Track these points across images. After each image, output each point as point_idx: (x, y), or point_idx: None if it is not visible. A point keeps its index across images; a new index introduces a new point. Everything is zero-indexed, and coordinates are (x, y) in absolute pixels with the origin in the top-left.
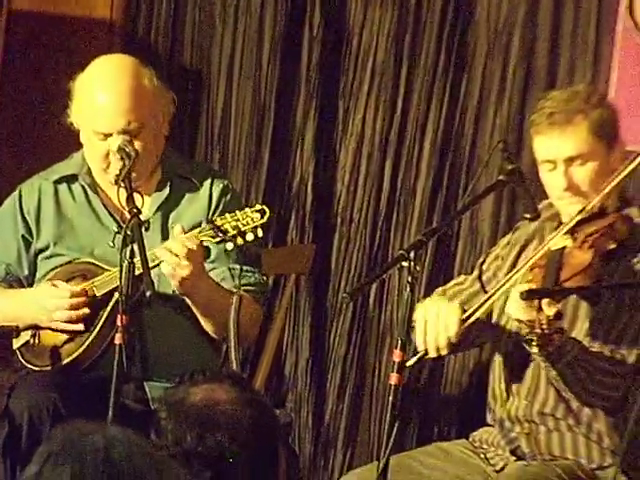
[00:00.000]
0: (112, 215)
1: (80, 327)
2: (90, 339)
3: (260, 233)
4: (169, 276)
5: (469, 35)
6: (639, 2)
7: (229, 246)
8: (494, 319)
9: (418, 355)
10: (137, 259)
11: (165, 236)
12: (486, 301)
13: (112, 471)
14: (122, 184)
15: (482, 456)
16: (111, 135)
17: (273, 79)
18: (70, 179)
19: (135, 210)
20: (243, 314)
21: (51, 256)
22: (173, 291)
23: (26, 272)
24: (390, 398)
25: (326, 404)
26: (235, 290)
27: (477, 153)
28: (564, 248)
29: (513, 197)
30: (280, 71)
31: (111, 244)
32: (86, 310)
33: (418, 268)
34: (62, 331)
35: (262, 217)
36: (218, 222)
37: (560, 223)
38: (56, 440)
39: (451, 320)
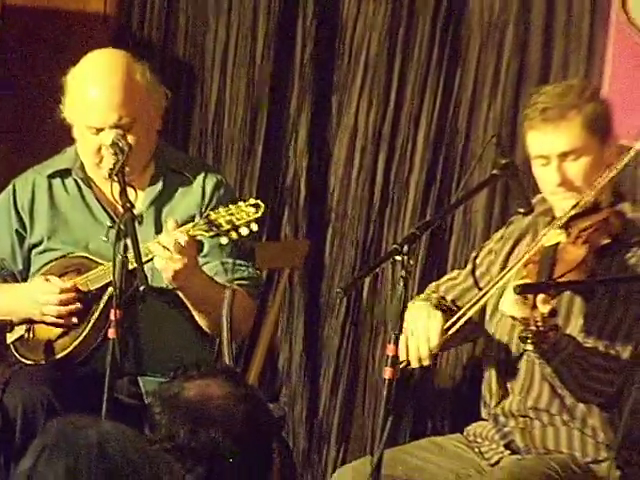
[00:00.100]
0: (105, 209)
1: (72, 321)
2: (84, 333)
3: (254, 227)
4: (162, 270)
5: (462, 29)
6: None
7: (223, 240)
8: (487, 316)
9: (401, 366)
10: (131, 253)
11: (158, 230)
12: (479, 300)
13: (106, 465)
14: (115, 178)
15: (476, 450)
16: (103, 130)
17: (267, 73)
18: (64, 173)
19: (128, 204)
20: (236, 308)
21: (45, 250)
22: (167, 285)
23: (20, 267)
24: (384, 392)
25: (320, 398)
26: (228, 284)
27: (471, 147)
28: (558, 244)
29: (506, 190)
30: (274, 65)
31: (105, 238)
32: (77, 305)
33: (411, 262)
34: (55, 325)
35: (256, 211)
36: (212, 216)
37: (553, 218)
38: (50, 434)
39: (433, 331)
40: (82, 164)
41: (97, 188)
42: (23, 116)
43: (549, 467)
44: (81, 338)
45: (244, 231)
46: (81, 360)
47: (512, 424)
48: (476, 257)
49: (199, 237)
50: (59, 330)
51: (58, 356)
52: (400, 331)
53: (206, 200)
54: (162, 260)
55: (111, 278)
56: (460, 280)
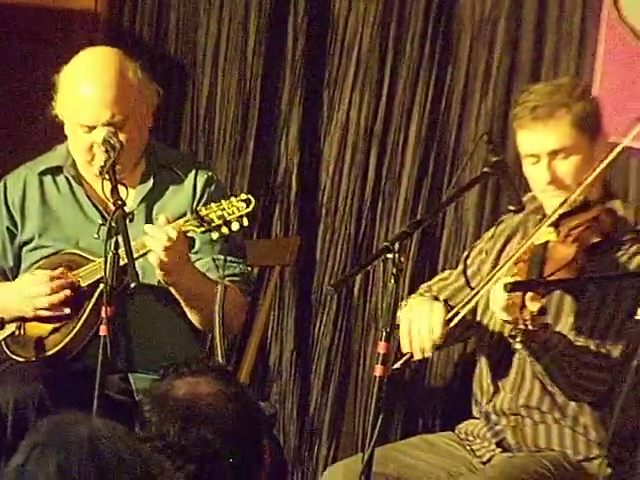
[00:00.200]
0: (96, 207)
1: (65, 311)
2: (75, 330)
3: (245, 222)
4: (156, 266)
5: (454, 24)
6: None
7: (214, 235)
8: (479, 315)
9: (404, 358)
10: (122, 250)
11: None
12: (472, 298)
13: (97, 462)
14: (106, 176)
15: (468, 448)
16: (95, 127)
17: (258, 69)
18: (55, 171)
19: (119, 202)
20: (228, 304)
21: (36, 248)
22: (158, 282)
23: (11, 264)
24: (375, 389)
25: (311, 395)
26: (220, 280)
27: (462, 142)
28: (548, 242)
29: (498, 187)
30: (265, 61)
31: (96, 236)
32: (67, 292)
33: (403, 259)
34: (48, 318)
35: (247, 206)
36: (203, 212)
37: (544, 216)
38: (41, 431)
39: (436, 322)
40: (73, 161)
41: (88, 185)
42: (14, 114)
43: (541, 465)
44: (72, 335)
45: (235, 226)
46: (72, 357)
47: (503, 422)
48: (467, 257)
49: (190, 233)
50: (50, 327)
51: (49, 353)
52: (392, 328)
53: (197, 197)
54: (155, 255)
55: (102, 274)
56: (452, 280)
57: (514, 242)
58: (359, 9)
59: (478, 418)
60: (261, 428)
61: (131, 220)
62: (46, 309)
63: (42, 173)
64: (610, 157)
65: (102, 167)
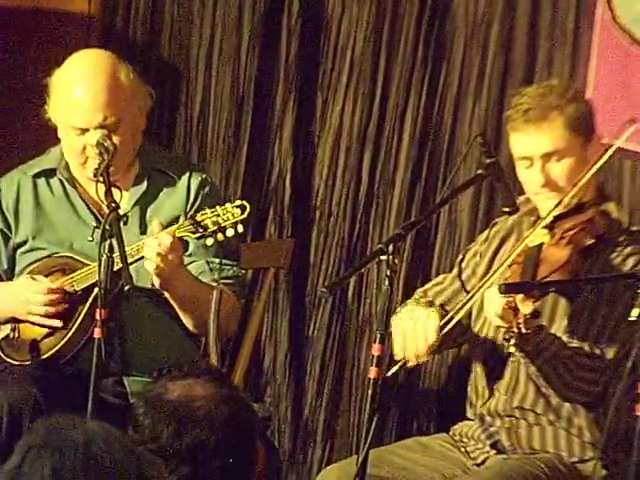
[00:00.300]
0: (90, 209)
1: (57, 323)
2: (70, 333)
3: (240, 229)
4: (152, 272)
5: (447, 26)
6: None
7: (209, 242)
8: (473, 318)
9: (398, 364)
10: (116, 253)
11: (143, 230)
12: (466, 303)
13: (92, 465)
14: (100, 178)
15: (462, 450)
16: (88, 130)
17: (251, 71)
18: (49, 173)
19: (113, 204)
20: (223, 308)
21: (30, 250)
22: (152, 285)
23: (5, 266)
24: (369, 392)
25: (305, 398)
26: (215, 284)
27: (456, 144)
28: (542, 244)
29: (492, 189)
30: (258, 63)
31: (90, 238)
32: (63, 306)
33: (396, 261)
34: (40, 325)
35: (242, 213)
36: (198, 217)
37: (538, 218)
38: (37, 434)
39: (430, 328)
40: (67, 164)
41: (82, 188)
42: (7, 116)
43: (535, 467)
44: (67, 338)
45: (230, 232)
46: (67, 360)
47: (498, 424)
48: (461, 260)
49: (185, 238)
50: (45, 330)
51: (44, 356)
52: (386, 330)
53: (191, 199)
54: (151, 262)
55: (97, 278)
56: (447, 284)
57: (508, 244)
58: (352, 11)
59: (473, 420)
60: (255, 430)
61: (125, 223)
62: (39, 315)
63: (36, 176)
64: (603, 158)
65: (96, 170)
